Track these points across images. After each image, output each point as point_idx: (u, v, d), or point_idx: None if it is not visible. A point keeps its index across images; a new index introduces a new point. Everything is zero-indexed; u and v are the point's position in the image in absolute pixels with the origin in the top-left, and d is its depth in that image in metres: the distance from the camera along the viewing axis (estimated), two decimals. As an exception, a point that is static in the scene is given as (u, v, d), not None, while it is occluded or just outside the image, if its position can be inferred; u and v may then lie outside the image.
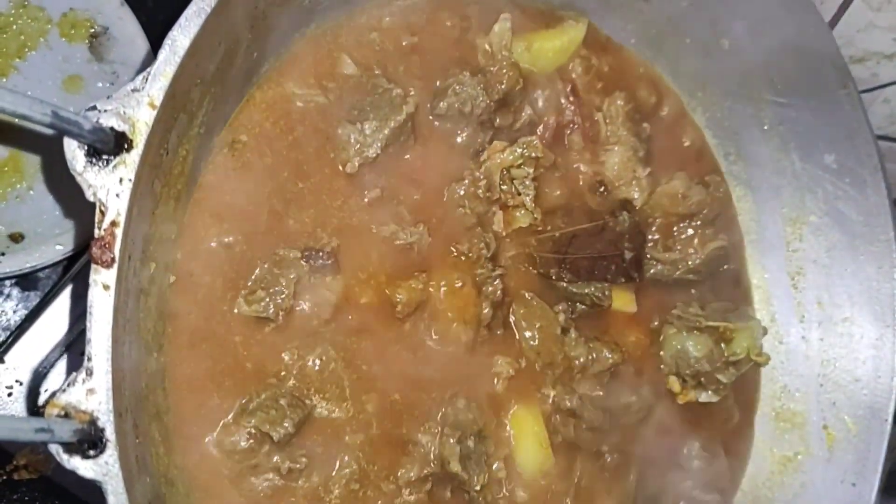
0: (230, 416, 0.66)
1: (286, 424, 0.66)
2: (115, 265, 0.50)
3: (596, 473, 0.85)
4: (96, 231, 0.50)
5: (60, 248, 0.85)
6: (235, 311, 0.68)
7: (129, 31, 0.92)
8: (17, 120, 0.69)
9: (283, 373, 0.69)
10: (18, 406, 0.84)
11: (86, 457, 0.49)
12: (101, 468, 0.49)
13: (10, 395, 0.85)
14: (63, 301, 0.85)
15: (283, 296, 0.69)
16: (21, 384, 0.85)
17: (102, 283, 0.50)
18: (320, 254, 0.71)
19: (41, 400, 0.49)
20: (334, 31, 0.76)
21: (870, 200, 0.92)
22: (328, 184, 0.72)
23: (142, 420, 0.58)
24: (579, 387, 0.82)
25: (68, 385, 0.49)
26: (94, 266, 0.50)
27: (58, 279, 0.90)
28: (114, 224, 0.50)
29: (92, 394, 0.49)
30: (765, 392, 0.99)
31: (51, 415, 0.47)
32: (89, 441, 0.49)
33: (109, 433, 0.49)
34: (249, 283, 0.68)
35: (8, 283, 0.91)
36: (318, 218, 0.71)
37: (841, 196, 0.94)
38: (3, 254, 0.85)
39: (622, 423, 0.87)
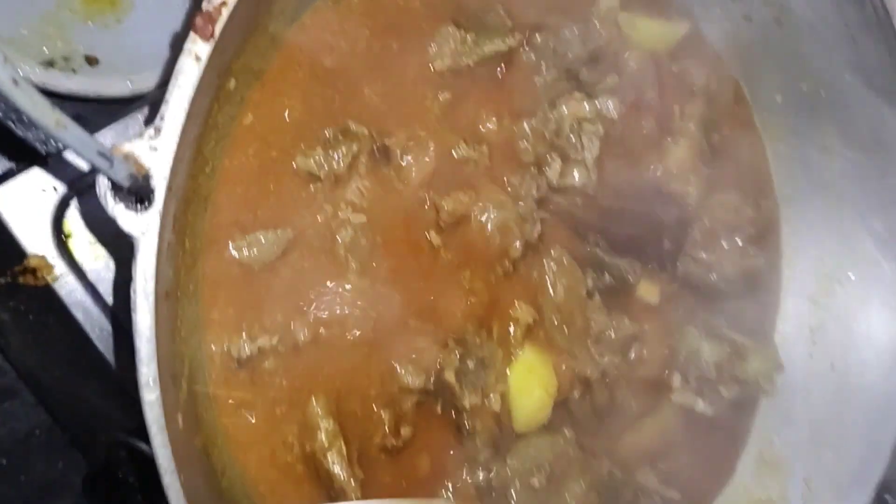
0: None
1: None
2: (213, 40, 0.51)
3: (576, 451, 0.83)
4: (205, 4, 0.51)
5: (129, 84, 0.86)
6: (293, 164, 0.69)
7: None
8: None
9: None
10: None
11: (128, 208, 0.49)
12: (141, 225, 0.49)
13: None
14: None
15: (339, 163, 0.70)
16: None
17: (195, 53, 0.51)
18: (384, 141, 0.72)
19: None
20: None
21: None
22: (414, 71, 0.73)
23: (181, 214, 0.58)
24: (602, 358, 0.82)
25: (136, 137, 0.49)
26: (192, 35, 0.51)
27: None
28: (223, 4, 0.51)
29: (154, 151, 0.50)
30: (757, 428, 0.98)
31: (117, 153, 0.48)
32: (136, 195, 0.49)
33: (158, 195, 0.50)
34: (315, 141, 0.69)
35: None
36: (391, 99, 0.72)
37: (882, 260, 0.94)
38: (74, 70, 0.86)
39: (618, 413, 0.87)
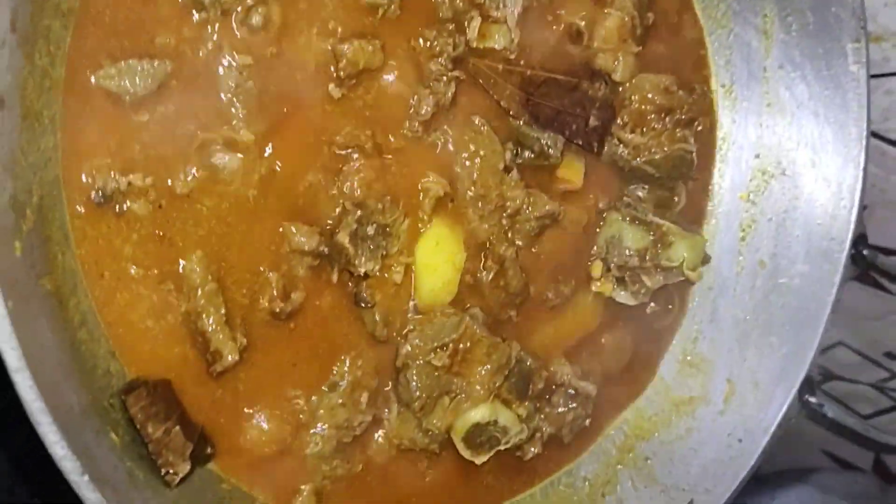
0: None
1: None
2: None
3: (483, 332, 0.78)
4: None
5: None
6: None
7: None
8: None
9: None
10: None
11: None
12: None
13: None
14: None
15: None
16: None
17: None
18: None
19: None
20: None
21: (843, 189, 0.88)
22: None
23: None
24: (516, 236, 0.78)
25: None
26: None
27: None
28: None
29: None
30: (683, 328, 0.95)
31: None
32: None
33: None
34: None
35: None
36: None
37: (817, 158, 0.91)
38: None
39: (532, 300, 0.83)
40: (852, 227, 0.87)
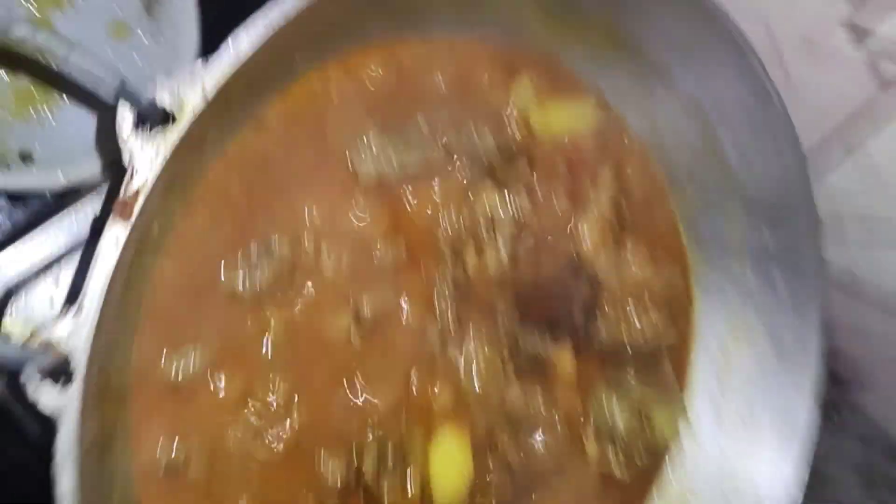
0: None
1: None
2: (131, 222, 0.55)
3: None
4: (121, 192, 0.55)
5: (61, 176, 0.89)
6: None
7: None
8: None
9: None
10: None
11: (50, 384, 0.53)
12: (62, 400, 0.54)
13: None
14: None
15: (259, 279, 0.74)
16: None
17: (115, 237, 0.55)
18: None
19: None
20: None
21: (807, 330, 0.99)
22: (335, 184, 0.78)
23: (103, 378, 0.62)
24: (517, 438, 0.89)
25: (54, 319, 0.53)
26: (112, 218, 0.55)
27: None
28: (138, 191, 0.55)
29: (72, 336, 0.53)
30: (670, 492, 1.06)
31: (33, 344, 0.52)
32: (56, 375, 0.53)
33: (79, 373, 0.54)
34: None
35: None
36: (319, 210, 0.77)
37: (781, 322, 1.02)
38: (9, 167, 0.89)
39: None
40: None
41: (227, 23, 0.58)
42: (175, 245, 0.70)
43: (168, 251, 0.67)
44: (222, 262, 0.74)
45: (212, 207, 0.73)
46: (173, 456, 0.72)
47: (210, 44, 0.94)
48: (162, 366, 0.71)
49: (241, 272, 0.74)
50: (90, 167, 0.90)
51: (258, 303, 0.75)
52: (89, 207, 0.90)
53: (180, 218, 0.71)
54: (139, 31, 0.98)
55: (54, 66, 0.59)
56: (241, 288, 0.74)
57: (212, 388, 0.73)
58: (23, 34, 0.63)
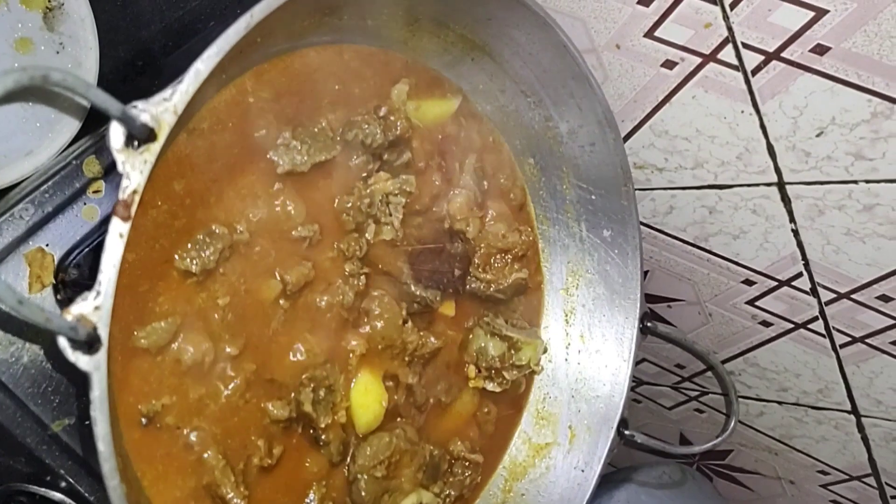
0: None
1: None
2: (130, 221, 0.70)
3: (406, 443, 1.11)
4: (120, 195, 0.70)
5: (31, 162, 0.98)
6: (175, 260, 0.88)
7: (81, 12, 1.07)
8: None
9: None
10: None
11: (83, 352, 0.68)
12: (94, 363, 0.68)
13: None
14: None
15: (208, 259, 0.90)
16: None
17: (119, 232, 0.69)
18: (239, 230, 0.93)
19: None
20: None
21: (628, 268, 1.27)
22: (258, 177, 0.94)
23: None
24: (415, 368, 1.09)
25: (82, 300, 0.68)
26: (114, 219, 0.69)
27: None
28: (134, 192, 0.70)
29: (97, 311, 0.68)
30: (533, 395, 1.32)
31: (71, 318, 0.66)
32: (89, 343, 0.68)
33: (104, 339, 0.69)
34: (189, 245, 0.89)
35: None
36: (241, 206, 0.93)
37: (609, 262, 1.29)
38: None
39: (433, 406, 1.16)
40: (639, 305, 1.28)
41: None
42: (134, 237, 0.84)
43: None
44: (176, 248, 0.89)
45: (163, 203, 0.88)
46: (149, 409, 0.87)
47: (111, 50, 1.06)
48: (134, 334, 0.86)
49: (191, 254, 0.89)
50: (19, 170, 1.00)
51: (207, 277, 0.91)
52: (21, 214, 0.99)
53: (139, 217, 0.85)
54: (42, 47, 1.08)
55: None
56: (193, 269, 0.89)
57: (176, 347, 0.89)
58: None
